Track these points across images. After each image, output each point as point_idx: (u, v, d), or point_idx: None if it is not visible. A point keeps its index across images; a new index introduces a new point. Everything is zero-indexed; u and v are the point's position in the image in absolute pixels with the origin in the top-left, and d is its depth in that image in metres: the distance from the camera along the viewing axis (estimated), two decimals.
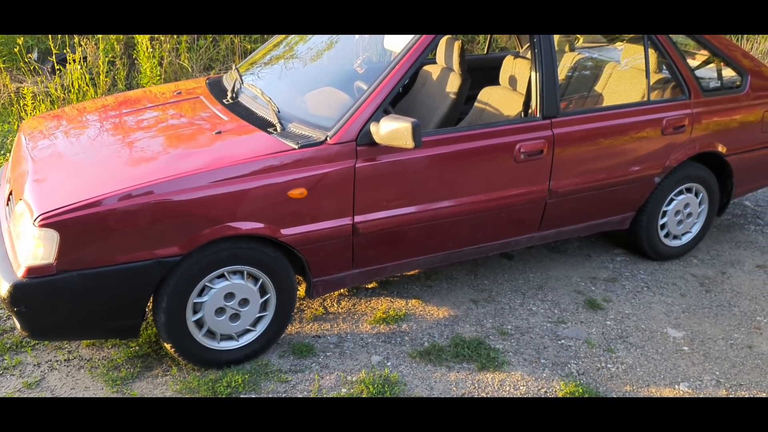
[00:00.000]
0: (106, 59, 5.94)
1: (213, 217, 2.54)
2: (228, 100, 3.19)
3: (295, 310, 3.16)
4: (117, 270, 2.46)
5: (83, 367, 2.74)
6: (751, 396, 2.72)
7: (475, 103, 3.71)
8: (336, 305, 3.22)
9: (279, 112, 2.91)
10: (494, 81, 3.73)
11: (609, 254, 3.78)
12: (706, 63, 3.75)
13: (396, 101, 4.13)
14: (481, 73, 4.04)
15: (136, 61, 6.17)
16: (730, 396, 2.71)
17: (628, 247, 3.78)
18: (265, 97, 3.01)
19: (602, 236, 3.93)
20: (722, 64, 3.69)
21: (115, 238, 2.44)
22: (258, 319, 2.80)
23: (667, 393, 2.72)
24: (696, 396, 2.71)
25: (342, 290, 3.31)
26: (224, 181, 2.54)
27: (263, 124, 2.87)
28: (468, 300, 3.30)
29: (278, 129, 2.80)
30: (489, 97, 3.63)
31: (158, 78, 6.10)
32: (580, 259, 3.72)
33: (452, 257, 3.19)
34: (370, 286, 3.38)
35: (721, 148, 3.60)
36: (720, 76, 3.70)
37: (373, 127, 2.71)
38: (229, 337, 2.76)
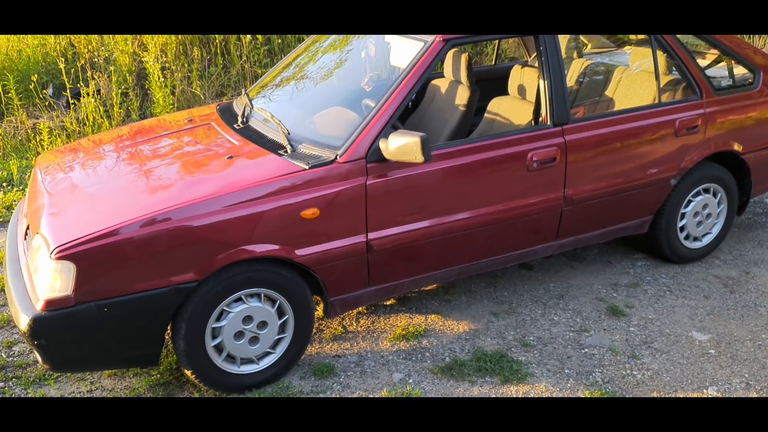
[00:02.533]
0: (119, 91, 6.03)
1: (228, 242, 2.54)
2: (239, 125, 3.21)
3: (314, 331, 3.15)
4: (134, 299, 2.47)
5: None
6: None
7: (485, 114, 3.70)
8: (355, 324, 3.21)
9: (289, 134, 2.92)
10: (503, 91, 3.72)
11: (629, 259, 3.73)
12: (716, 62, 3.71)
13: (406, 116, 4.14)
14: (489, 84, 4.03)
15: (148, 91, 6.26)
16: (761, 396, 2.65)
17: (649, 251, 3.73)
18: (275, 120, 3.03)
19: (622, 242, 3.88)
20: (733, 62, 3.65)
21: (130, 267, 2.45)
22: (277, 341, 2.79)
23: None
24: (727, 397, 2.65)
25: (360, 308, 3.30)
26: (237, 205, 2.55)
27: (274, 147, 2.88)
28: (488, 313, 3.27)
29: (289, 151, 2.81)
30: (498, 107, 3.62)
31: (171, 107, 6.18)
32: (600, 266, 3.68)
33: (469, 270, 3.17)
34: (388, 302, 3.37)
35: (737, 147, 3.55)
36: (731, 74, 3.66)
37: (382, 144, 2.71)
38: (250, 361, 2.75)
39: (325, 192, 2.67)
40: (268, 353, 2.78)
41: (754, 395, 2.67)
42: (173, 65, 6.31)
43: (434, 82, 3.99)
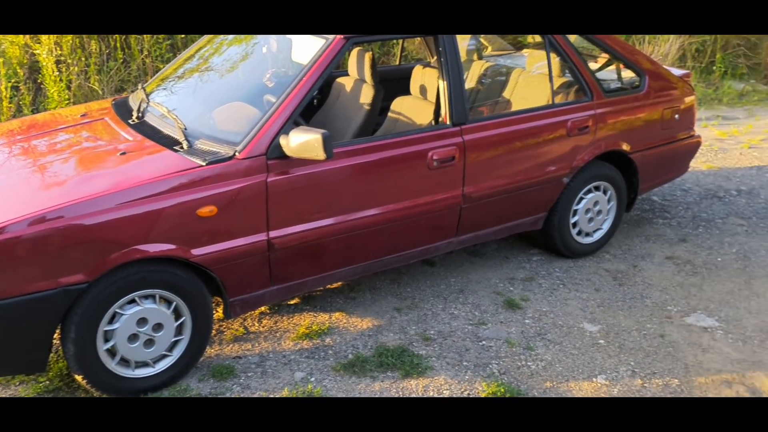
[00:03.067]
0: (9, 84, 5.70)
1: (120, 241, 2.45)
2: (134, 120, 3.10)
3: (214, 332, 3.08)
4: (19, 301, 2.34)
5: None
6: (664, 383, 2.82)
7: (389, 113, 3.74)
8: (257, 324, 3.17)
9: (186, 129, 2.85)
10: (407, 91, 3.77)
11: (526, 255, 3.87)
12: (606, 65, 3.90)
13: (311, 114, 4.12)
14: (394, 83, 4.08)
15: (42, 86, 5.94)
16: (646, 385, 2.81)
17: (544, 246, 3.88)
18: (172, 115, 2.95)
19: (519, 237, 4.01)
20: (622, 66, 3.85)
21: (16, 267, 2.33)
22: (174, 344, 2.72)
23: (585, 386, 2.79)
24: (613, 387, 2.79)
25: (263, 308, 3.26)
26: (130, 202, 2.46)
27: (170, 143, 2.81)
28: (391, 309, 3.30)
29: (185, 146, 2.75)
30: (401, 106, 3.67)
31: (66, 102, 5.90)
32: (498, 261, 3.79)
33: (373, 267, 3.19)
34: (292, 301, 3.34)
35: (625, 147, 3.75)
36: (620, 78, 3.86)
37: (283, 140, 2.69)
38: (145, 364, 2.67)
39: (223, 189, 2.62)
40: (164, 356, 2.70)
41: (639, 382, 2.83)
42: (69, 59, 6.02)
43: (339, 80, 3.99)
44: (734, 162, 5.54)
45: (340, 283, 3.47)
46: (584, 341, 3.09)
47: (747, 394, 2.77)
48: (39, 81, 5.97)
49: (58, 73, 5.88)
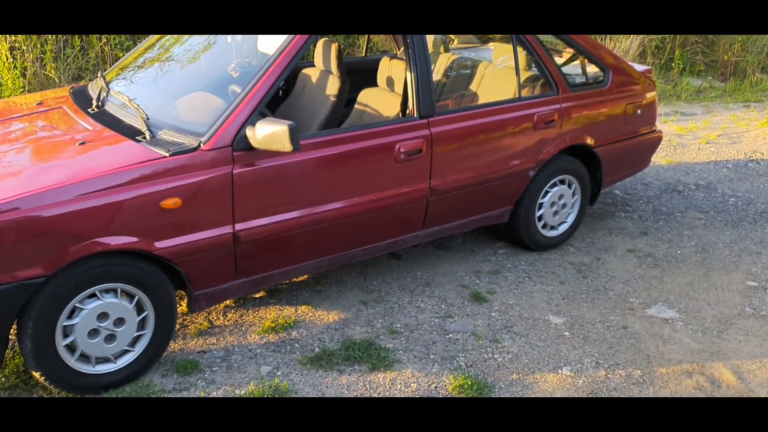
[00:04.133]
0: None
1: (79, 234, 2.38)
2: (93, 109, 3.02)
3: (178, 326, 3.03)
4: None
5: None
6: (627, 373, 2.86)
7: (355, 105, 3.71)
8: (222, 318, 3.12)
9: (148, 119, 2.78)
10: (373, 83, 3.75)
11: (491, 248, 3.89)
12: (571, 60, 3.93)
13: (277, 105, 4.07)
14: (360, 75, 4.05)
15: None
16: (609, 376, 2.85)
17: (509, 239, 3.90)
18: (133, 105, 2.87)
19: (485, 230, 4.03)
20: (586, 61, 3.88)
21: None
22: (136, 339, 2.65)
23: (551, 378, 2.82)
24: (577, 377, 2.82)
25: (228, 302, 3.21)
26: (90, 194, 2.39)
27: (131, 133, 2.73)
28: (358, 302, 3.29)
29: (147, 137, 2.68)
30: (368, 98, 3.64)
31: (21, 90, 5.72)
32: (464, 254, 3.80)
33: (340, 260, 3.17)
34: (258, 295, 3.30)
35: (589, 141, 3.79)
36: (585, 73, 3.90)
37: (249, 132, 2.64)
38: (106, 360, 2.60)
39: (188, 181, 2.56)
40: (126, 351, 2.64)
41: (603, 373, 2.86)
42: (24, 45, 5.83)
43: (305, 71, 3.95)
44: (692, 157, 5.66)
45: (306, 276, 3.44)
46: (549, 333, 3.12)
47: (706, 384, 2.83)
48: None
49: (12, 60, 5.69)
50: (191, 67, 3.40)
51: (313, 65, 3.91)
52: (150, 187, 2.49)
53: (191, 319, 3.09)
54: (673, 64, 8.38)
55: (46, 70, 5.91)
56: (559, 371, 2.86)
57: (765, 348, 3.08)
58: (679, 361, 2.97)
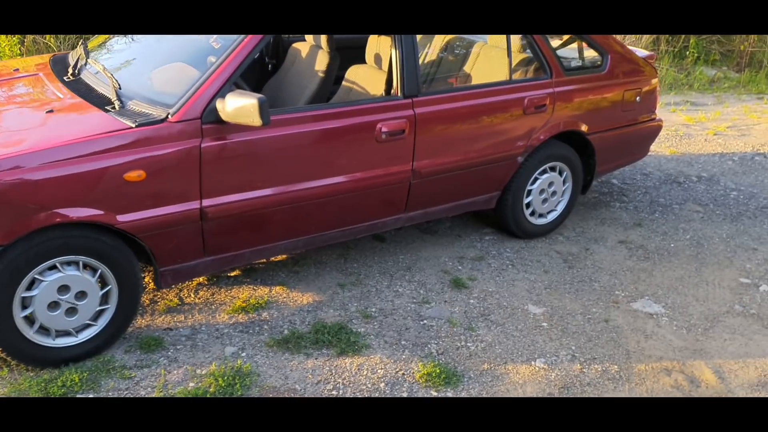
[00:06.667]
0: None
1: (39, 203, 2.32)
2: (69, 77, 2.95)
3: (147, 302, 2.97)
4: None
5: None
6: (604, 368, 2.77)
7: (343, 82, 3.61)
8: (193, 295, 3.06)
9: (120, 88, 2.71)
10: (364, 60, 3.64)
11: (478, 233, 3.79)
12: (568, 42, 3.79)
13: (265, 79, 3.99)
14: (352, 52, 3.94)
15: None
16: (584, 370, 2.76)
17: (497, 225, 3.80)
18: (107, 73, 2.80)
19: (473, 216, 3.94)
20: (584, 44, 3.75)
21: None
22: (99, 313, 2.60)
23: (523, 369, 2.74)
24: (552, 369, 2.74)
25: (201, 279, 3.15)
26: (50, 163, 2.32)
27: (102, 102, 2.66)
28: (335, 284, 3.21)
29: (116, 107, 2.60)
30: (356, 75, 3.54)
31: (18, 56, 5.66)
32: (450, 239, 3.71)
33: (316, 241, 3.09)
34: (232, 273, 3.24)
35: (583, 127, 3.66)
36: (582, 56, 3.77)
37: (219, 104, 2.56)
38: (67, 333, 2.55)
39: (153, 153, 2.49)
40: (88, 325, 2.58)
41: (578, 367, 2.78)
42: None
43: (295, 45, 3.86)
44: (698, 148, 5.51)
45: (283, 256, 3.37)
46: (527, 323, 3.03)
47: (685, 383, 2.74)
48: None
49: None
50: (174, 38, 3.31)
51: (304, 40, 3.82)
52: (113, 159, 2.42)
53: (162, 295, 3.03)
54: (688, 53, 8.17)
55: (45, 37, 5.85)
56: (533, 363, 2.78)
57: (750, 348, 2.98)
58: (659, 357, 2.88)
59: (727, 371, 2.82)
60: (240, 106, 2.49)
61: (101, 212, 2.43)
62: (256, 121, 2.47)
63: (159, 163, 2.50)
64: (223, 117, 2.56)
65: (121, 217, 2.47)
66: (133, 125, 2.48)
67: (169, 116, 2.53)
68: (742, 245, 3.88)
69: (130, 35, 3.24)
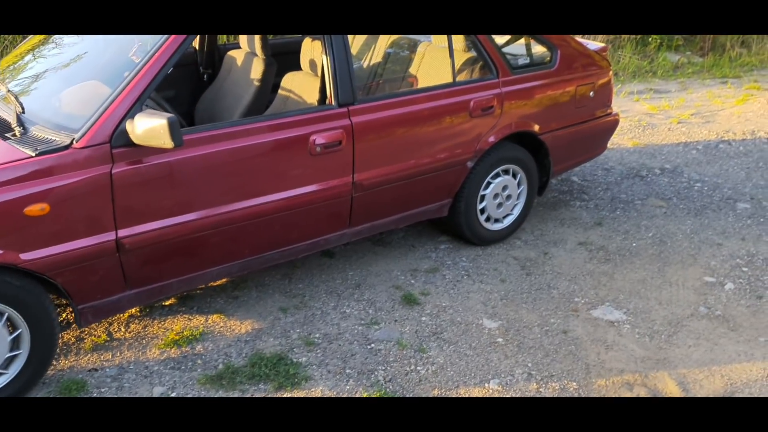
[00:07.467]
0: None
1: None
2: None
3: (74, 339, 2.75)
4: None
5: None
6: (561, 386, 2.61)
7: (279, 91, 3.41)
8: (123, 329, 2.84)
9: (23, 113, 2.48)
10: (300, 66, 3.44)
11: (433, 242, 3.61)
12: (514, 39, 3.62)
13: (201, 91, 3.78)
14: (290, 57, 3.74)
15: None
16: (541, 390, 2.59)
17: (453, 233, 3.63)
18: (11, 96, 2.57)
19: (428, 224, 3.76)
20: (531, 40, 3.58)
21: None
22: (10, 360, 2.38)
23: (476, 393, 2.56)
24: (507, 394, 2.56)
25: (133, 310, 2.93)
26: None
27: (2, 129, 2.43)
28: (277, 309, 3.02)
29: (17, 134, 2.38)
30: (291, 83, 3.35)
31: None
32: (403, 251, 3.53)
33: (253, 264, 2.89)
34: (167, 302, 3.03)
35: (535, 127, 3.50)
36: (530, 52, 3.59)
37: (129, 126, 2.35)
38: None
39: (57, 184, 2.27)
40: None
41: (535, 387, 2.61)
42: None
43: (230, 53, 3.66)
44: (661, 138, 5.37)
45: (224, 279, 3.16)
46: (481, 340, 2.86)
47: (647, 397, 2.58)
48: None
49: None
50: (93, 53, 3.08)
51: (239, 47, 3.61)
52: (11, 193, 2.20)
53: (89, 330, 2.82)
54: (650, 39, 8.05)
55: None
56: (486, 385, 2.61)
57: (715, 354, 2.83)
58: (620, 371, 2.72)
59: (692, 381, 2.67)
60: (149, 128, 2.28)
61: (2, 251, 2.21)
62: (167, 143, 2.27)
63: (64, 194, 2.28)
64: (134, 140, 2.35)
65: (24, 255, 2.25)
66: (33, 154, 2.26)
67: (74, 142, 2.32)
68: (707, 240, 3.74)
69: (40, 52, 3.01)
